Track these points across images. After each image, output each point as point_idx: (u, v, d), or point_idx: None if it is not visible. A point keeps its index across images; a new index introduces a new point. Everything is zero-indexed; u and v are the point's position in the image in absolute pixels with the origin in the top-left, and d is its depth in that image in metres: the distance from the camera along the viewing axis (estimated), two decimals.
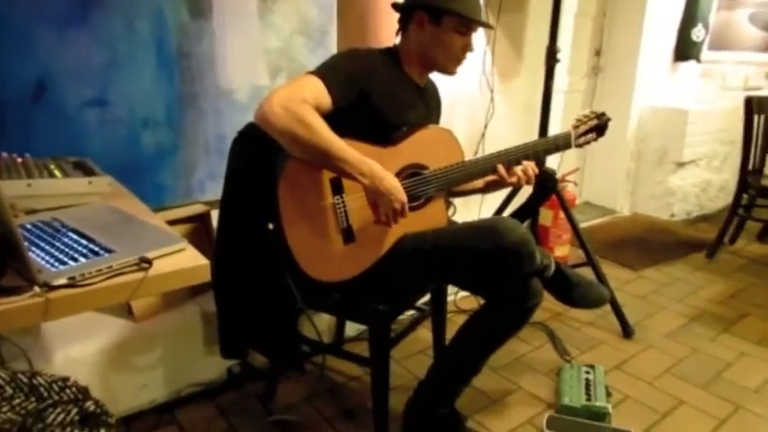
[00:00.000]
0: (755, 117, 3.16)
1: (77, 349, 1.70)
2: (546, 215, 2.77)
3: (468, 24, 1.54)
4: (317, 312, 1.82)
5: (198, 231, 1.94)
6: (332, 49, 2.11)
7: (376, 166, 1.35)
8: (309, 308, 1.66)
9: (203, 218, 1.95)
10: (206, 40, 1.84)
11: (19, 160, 1.36)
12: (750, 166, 3.21)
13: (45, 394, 0.68)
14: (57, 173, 1.32)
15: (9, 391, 0.67)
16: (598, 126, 1.83)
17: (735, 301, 2.73)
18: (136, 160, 1.81)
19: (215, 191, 1.95)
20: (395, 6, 1.60)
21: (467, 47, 1.57)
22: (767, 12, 4.59)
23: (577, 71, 3.72)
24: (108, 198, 1.36)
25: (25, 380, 0.70)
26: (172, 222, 1.79)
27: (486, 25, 1.59)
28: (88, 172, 1.37)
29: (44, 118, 1.63)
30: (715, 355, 2.24)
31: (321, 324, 1.96)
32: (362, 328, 2.23)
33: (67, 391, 0.71)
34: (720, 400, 1.95)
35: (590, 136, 1.83)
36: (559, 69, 2.37)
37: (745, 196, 3.28)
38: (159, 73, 1.79)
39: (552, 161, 2.34)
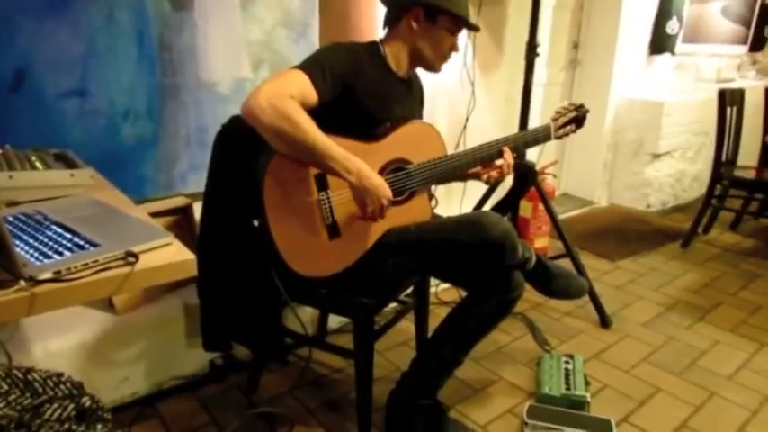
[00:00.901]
0: (728, 109, 3.23)
1: (57, 342, 1.69)
2: (526, 207, 2.80)
3: (459, 25, 1.56)
4: (300, 305, 1.83)
5: (180, 224, 1.93)
6: (314, 40, 2.10)
7: (361, 163, 1.37)
8: (294, 302, 1.67)
9: (185, 210, 1.93)
10: (187, 31, 1.82)
11: None
12: (723, 158, 3.29)
13: (40, 390, 0.68)
14: (38, 165, 1.30)
15: (5, 386, 0.66)
16: (577, 118, 1.87)
17: (709, 289, 2.81)
18: (116, 152, 1.79)
19: (197, 183, 1.94)
20: (384, 1, 1.60)
21: (454, 46, 1.60)
22: (738, 5, 4.69)
23: (556, 64, 3.76)
24: (90, 190, 1.34)
25: (20, 375, 0.70)
26: (154, 215, 1.78)
27: (476, 28, 1.61)
28: (70, 164, 1.35)
29: (23, 108, 1.60)
30: (690, 343, 2.30)
31: (304, 316, 1.97)
32: (345, 320, 2.25)
33: (62, 386, 0.70)
34: (696, 387, 2.01)
35: (569, 128, 1.87)
36: (538, 62, 2.40)
37: (718, 187, 3.36)
38: (140, 64, 1.76)
39: (531, 154, 2.37)
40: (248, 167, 1.43)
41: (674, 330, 2.39)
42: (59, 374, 0.74)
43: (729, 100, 3.23)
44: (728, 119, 3.24)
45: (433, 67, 1.62)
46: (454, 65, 1.63)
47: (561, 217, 3.41)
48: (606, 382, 2.01)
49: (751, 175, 3.36)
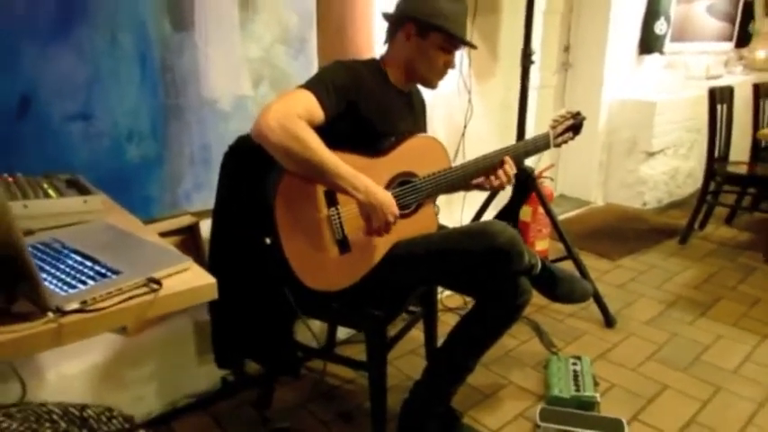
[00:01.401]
0: (719, 107, 3.28)
1: (70, 366, 1.70)
2: (525, 211, 2.83)
3: (453, 43, 1.58)
4: (310, 318, 1.84)
5: (186, 243, 1.94)
6: (312, 56, 2.12)
7: (368, 180, 1.39)
8: (306, 316, 1.69)
9: (192, 229, 1.95)
10: (188, 52, 1.83)
11: (10, 179, 1.34)
12: (716, 154, 3.34)
13: (95, 426, 0.69)
14: (51, 192, 1.31)
15: (63, 425, 0.68)
16: (574, 125, 1.91)
17: (708, 285, 2.85)
18: (122, 173, 1.80)
19: (201, 200, 1.95)
20: (385, 16, 1.63)
21: (449, 63, 1.61)
22: (723, 3, 4.76)
23: (548, 67, 3.80)
24: (102, 215, 1.35)
25: (76, 413, 0.71)
26: (161, 235, 1.79)
27: (471, 45, 1.63)
28: (82, 190, 1.37)
29: (29, 133, 1.61)
30: (694, 338, 2.33)
31: (312, 329, 1.98)
32: (352, 331, 2.27)
33: (114, 420, 0.72)
34: (702, 382, 2.04)
35: (567, 135, 1.90)
36: (532, 67, 2.44)
37: (712, 183, 3.41)
38: (143, 86, 1.78)
39: (530, 158, 2.40)
40: (258, 186, 1.45)
41: (678, 327, 2.43)
42: (110, 409, 0.75)
43: (719, 98, 3.28)
44: (719, 116, 3.29)
45: (428, 83, 1.65)
46: (451, 73, 1.66)
47: (560, 218, 3.44)
48: (614, 382, 2.04)
49: (743, 170, 3.42)
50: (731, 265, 3.09)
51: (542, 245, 2.94)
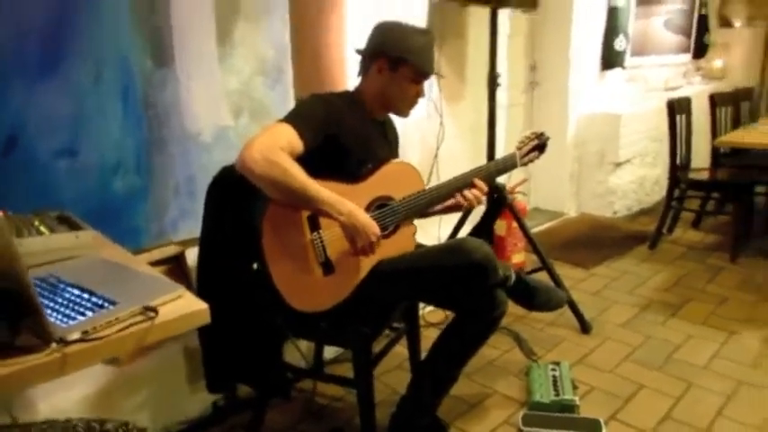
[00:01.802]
0: (678, 117, 3.44)
1: (62, 398, 1.72)
2: (501, 226, 2.93)
3: (421, 74, 1.69)
4: (299, 339, 1.90)
5: (174, 272, 1.99)
6: (289, 86, 2.21)
7: (350, 204, 1.48)
8: (295, 337, 1.75)
9: (178, 258, 2.00)
10: (170, 86, 1.90)
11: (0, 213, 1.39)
12: (678, 162, 3.49)
13: None
14: (43, 229, 1.36)
15: None
16: (539, 145, 2.02)
17: (678, 287, 2.98)
18: (109, 206, 1.85)
19: (186, 229, 2.01)
20: (358, 51, 1.74)
21: (419, 93, 1.73)
22: (678, 17, 4.99)
23: (516, 86, 3.94)
24: (94, 249, 1.41)
25: (98, 427, 0.77)
26: (149, 265, 1.84)
27: (439, 75, 1.74)
28: (73, 226, 1.42)
29: (16, 171, 1.65)
30: (666, 338, 2.44)
31: (302, 349, 2.03)
32: (340, 350, 2.32)
33: None
34: (675, 379, 2.15)
35: (533, 154, 2.01)
36: (500, 87, 2.56)
37: (677, 190, 3.57)
38: (127, 120, 1.84)
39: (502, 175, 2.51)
40: (242, 215, 1.52)
41: (651, 328, 2.54)
42: (126, 423, 0.81)
43: (678, 108, 3.45)
44: (679, 126, 3.45)
45: (400, 112, 1.76)
46: (422, 99, 1.77)
47: (534, 231, 3.56)
48: (593, 384, 2.12)
49: (705, 176, 3.59)
50: (699, 267, 3.22)
51: (518, 257, 3.04)
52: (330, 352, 2.31)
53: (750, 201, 3.66)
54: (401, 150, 1.95)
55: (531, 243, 2.55)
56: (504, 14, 2.94)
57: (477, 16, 2.99)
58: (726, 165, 3.80)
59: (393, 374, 2.22)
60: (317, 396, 2.11)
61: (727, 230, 3.67)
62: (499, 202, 2.48)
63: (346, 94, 1.75)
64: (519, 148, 1.97)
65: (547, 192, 4.32)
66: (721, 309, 2.71)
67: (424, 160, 2.60)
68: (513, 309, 1.91)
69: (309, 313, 1.55)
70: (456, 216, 2.58)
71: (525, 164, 1.98)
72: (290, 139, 1.45)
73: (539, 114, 4.18)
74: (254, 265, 1.58)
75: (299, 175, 1.41)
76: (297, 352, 1.86)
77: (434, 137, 2.58)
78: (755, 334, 2.46)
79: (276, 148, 1.40)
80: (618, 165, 4.14)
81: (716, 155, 3.83)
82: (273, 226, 1.48)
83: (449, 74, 2.94)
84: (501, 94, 2.77)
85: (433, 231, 2.73)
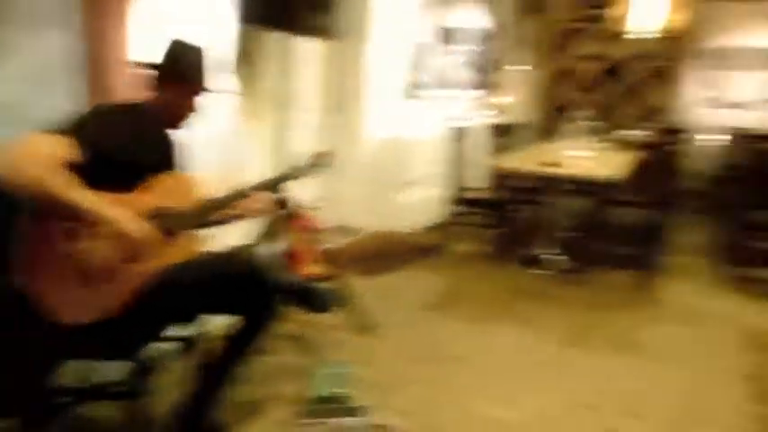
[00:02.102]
0: (457, 144, 3.98)
1: None
2: (293, 238, 3.11)
3: (193, 90, 1.83)
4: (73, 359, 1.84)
5: None
6: (68, 96, 2.17)
7: (119, 211, 1.51)
8: (67, 358, 1.70)
9: None
10: None
11: None
12: (459, 183, 4.02)
13: None
14: None
15: None
16: (315, 164, 2.24)
17: (454, 290, 3.44)
18: None
19: None
20: (144, 65, 1.84)
21: (191, 107, 1.86)
22: (475, 57, 5.72)
23: (317, 109, 4.19)
24: None
25: None
26: None
27: (210, 90, 1.89)
28: None
29: None
30: (436, 335, 2.82)
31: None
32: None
33: None
34: (437, 367, 2.50)
35: (312, 170, 2.22)
36: (302, 108, 2.77)
37: (458, 208, 4.09)
38: None
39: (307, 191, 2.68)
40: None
41: (425, 327, 2.91)
42: None
43: (458, 136, 3.99)
44: (458, 152, 3.98)
45: (173, 125, 1.87)
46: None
47: (334, 246, 3.80)
48: (368, 379, 2.35)
49: (480, 195, 4.16)
50: (473, 273, 3.75)
51: (311, 269, 3.23)
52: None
53: (512, 217, 4.29)
54: (200, 164, 2.04)
55: (322, 254, 2.76)
56: (305, 41, 3.18)
57: (282, 42, 3.20)
58: (500, 186, 4.42)
59: (176, 386, 2.23)
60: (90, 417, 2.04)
61: (497, 242, 4.27)
62: (280, 212, 2.65)
63: (131, 105, 1.82)
64: (296, 166, 2.17)
65: (346, 209, 4.61)
66: (486, 307, 3.19)
67: (229, 177, 2.70)
68: (298, 314, 2.07)
69: (81, 330, 1.54)
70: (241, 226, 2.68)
71: (299, 178, 2.19)
72: (59, 149, 1.45)
73: (340, 137, 4.47)
74: (15, 280, 1.52)
75: (62, 184, 1.42)
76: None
77: (236, 154, 2.69)
78: (510, 327, 2.95)
79: (44, 156, 1.40)
80: (409, 184, 4.60)
81: (493, 177, 4.43)
82: (31, 237, 1.47)
83: (252, 94, 3.07)
84: (304, 117, 2.98)
85: (222, 240, 2.81)
